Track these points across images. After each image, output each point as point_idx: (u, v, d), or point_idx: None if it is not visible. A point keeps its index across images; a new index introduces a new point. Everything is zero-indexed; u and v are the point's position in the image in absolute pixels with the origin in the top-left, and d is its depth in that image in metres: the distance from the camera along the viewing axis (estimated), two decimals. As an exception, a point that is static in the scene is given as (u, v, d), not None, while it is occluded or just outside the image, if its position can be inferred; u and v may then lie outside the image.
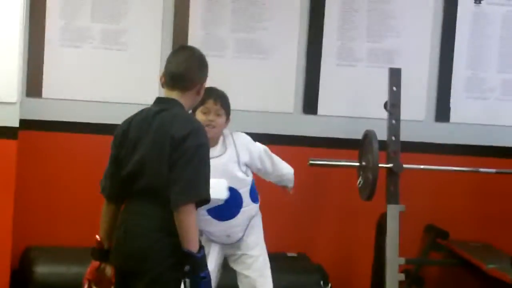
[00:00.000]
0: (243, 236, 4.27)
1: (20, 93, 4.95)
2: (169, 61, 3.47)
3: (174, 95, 3.41)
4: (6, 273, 4.86)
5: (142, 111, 3.48)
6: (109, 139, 3.50)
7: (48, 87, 5.21)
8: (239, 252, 4.29)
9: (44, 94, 5.23)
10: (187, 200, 3.24)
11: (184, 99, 3.42)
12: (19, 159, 4.90)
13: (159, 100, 3.47)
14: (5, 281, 4.86)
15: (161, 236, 3.30)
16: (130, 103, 5.21)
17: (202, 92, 3.49)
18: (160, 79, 3.47)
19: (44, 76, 5.21)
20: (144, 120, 3.40)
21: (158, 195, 3.29)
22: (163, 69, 3.48)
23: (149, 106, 3.48)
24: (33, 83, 5.19)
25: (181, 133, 3.28)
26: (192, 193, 3.25)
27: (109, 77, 5.28)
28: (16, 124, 4.87)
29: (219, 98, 4.20)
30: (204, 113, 4.14)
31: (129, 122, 3.45)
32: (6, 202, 4.83)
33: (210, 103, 4.15)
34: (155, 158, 3.31)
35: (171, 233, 3.26)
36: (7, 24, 4.81)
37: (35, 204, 5.19)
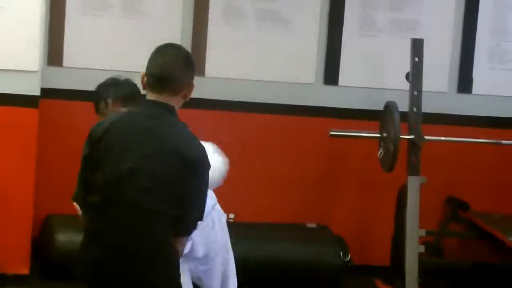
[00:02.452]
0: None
1: (41, 62, 4.96)
2: (152, 61, 3.03)
3: (162, 99, 2.99)
4: (27, 240, 4.90)
5: (124, 114, 3.10)
6: (129, 109, 3.41)
7: (69, 56, 5.22)
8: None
9: (65, 63, 5.23)
10: (195, 228, 3.04)
11: (174, 105, 3.01)
12: (40, 127, 4.91)
13: (149, 104, 3.01)
14: (26, 249, 4.90)
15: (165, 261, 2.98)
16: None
17: (189, 96, 3.05)
18: (142, 80, 3.04)
19: (65, 45, 5.21)
20: (133, 125, 2.99)
21: (158, 212, 2.92)
22: (145, 69, 3.04)
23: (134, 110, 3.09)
24: (54, 52, 5.19)
25: (198, 157, 2.93)
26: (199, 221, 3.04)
27: (129, 46, 5.27)
28: (38, 93, 4.88)
29: (110, 95, 3.64)
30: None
31: (111, 122, 3.01)
32: (27, 170, 4.86)
33: (101, 106, 3.63)
34: (162, 172, 2.91)
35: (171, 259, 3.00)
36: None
37: (56, 173, 5.20)
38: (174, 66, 3.00)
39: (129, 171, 2.91)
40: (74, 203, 3.17)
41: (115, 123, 3.00)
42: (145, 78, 3.02)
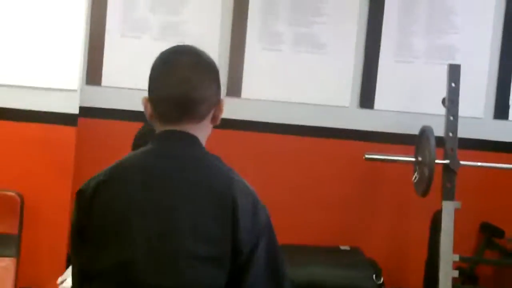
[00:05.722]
0: None
1: (81, 81, 5.04)
2: (160, 78, 2.09)
3: (181, 129, 2.05)
4: (62, 258, 4.94)
5: (125, 160, 2.07)
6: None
7: (108, 76, 5.29)
8: None
9: (103, 83, 5.31)
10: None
11: (199, 134, 2.06)
12: (78, 146, 4.97)
13: (165, 137, 2.02)
14: (62, 266, 4.94)
15: None
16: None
17: (220, 117, 2.11)
18: (145, 108, 2.08)
19: (104, 65, 5.29)
20: (142, 172, 2.01)
21: None
22: (148, 93, 2.09)
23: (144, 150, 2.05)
24: (93, 72, 5.28)
25: (241, 197, 2.01)
26: None
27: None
28: (76, 111, 4.95)
29: None
30: None
31: (106, 174, 2.05)
32: (64, 188, 4.91)
33: None
34: (200, 230, 1.94)
35: None
36: (70, 14, 4.90)
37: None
38: (195, 82, 2.07)
39: (151, 241, 1.91)
40: None
41: (113, 173, 2.03)
42: (149, 105, 2.06)
